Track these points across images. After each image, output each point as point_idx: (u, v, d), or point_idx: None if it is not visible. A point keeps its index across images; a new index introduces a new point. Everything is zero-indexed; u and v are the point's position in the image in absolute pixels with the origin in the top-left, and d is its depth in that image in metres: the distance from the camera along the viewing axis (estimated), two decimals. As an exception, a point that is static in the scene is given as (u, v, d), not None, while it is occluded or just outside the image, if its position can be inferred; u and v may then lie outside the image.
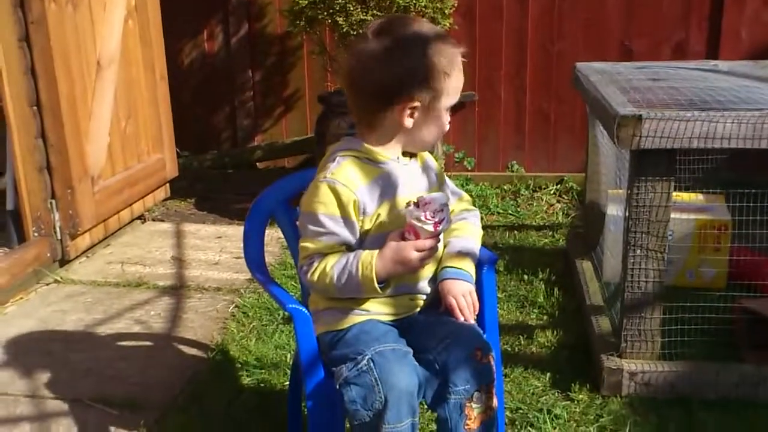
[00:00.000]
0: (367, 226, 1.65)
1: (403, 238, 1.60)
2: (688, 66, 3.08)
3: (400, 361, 1.54)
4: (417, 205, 1.57)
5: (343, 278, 1.61)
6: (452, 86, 1.63)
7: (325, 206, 1.61)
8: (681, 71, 2.93)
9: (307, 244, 1.65)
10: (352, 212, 1.62)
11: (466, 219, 1.82)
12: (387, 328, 1.67)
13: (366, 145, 1.67)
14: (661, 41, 4.17)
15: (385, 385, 1.50)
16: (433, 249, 1.62)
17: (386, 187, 1.65)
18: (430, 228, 1.56)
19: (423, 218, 1.56)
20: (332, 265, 1.61)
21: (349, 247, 1.65)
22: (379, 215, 1.64)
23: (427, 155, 1.80)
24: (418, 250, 1.59)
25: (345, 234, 1.63)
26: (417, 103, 1.61)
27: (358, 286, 1.61)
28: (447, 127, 1.69)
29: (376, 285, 1.59)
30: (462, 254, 1.74)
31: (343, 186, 1.60)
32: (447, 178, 1.85)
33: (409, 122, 1.63)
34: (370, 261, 1.59)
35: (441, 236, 1.66)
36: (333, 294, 1.66)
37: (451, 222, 1.65)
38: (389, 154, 1.68)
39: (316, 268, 1.63)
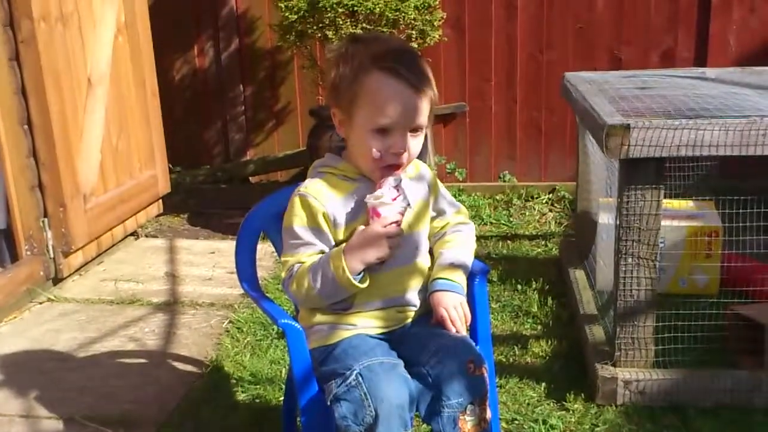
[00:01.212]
0: (341, 237, 1.67)
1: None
2: (676, 74, 3.10)
3: (388, 375, 1.55)
4: (373, 191, 1.63)
5: (318, 278, 1.62)
6: (371, 107, 1.59)
7: (299, 219, 1.66)
8: (669, 79, 2.95)
9: (287, 258, 1.69)
10: (322, 223, 1.65)
11: (460, 231, 1.83)
12: (375, 342, 1.68)
13: (343, 162, 1.71)
14: (649, 48, 4.20)
15: (375, 399, 1.50)
16: (398, 226, 1.62)
17: (360, 200, 1.66)
18: (388, 200, 1.60)
19: (377, 194, 1.60)
20: (308, 270, 1.64)
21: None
22: (354, 230, 1.66)
23: (422, 168, 1.80)
24: (381, 225, 1.60)
25: (320, 244, 1.66)
26: (337, 112, 1.66)
27: (334, 282, 1.61)
28: (370, 151, 1.61)
29: (348, 274, 1.59)
30: (453, 266, 1.75)
31: (314, 198, 1.65)
32: (444, 190, 1.86)
33: (340, 132, 1.69)
34: (338, 252, 1.62)
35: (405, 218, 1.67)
36: (317, 301, 1.67)
37: (410, 206, 1.66)
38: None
39: (294, 278, 1.66)
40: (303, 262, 1.66)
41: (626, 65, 4.11)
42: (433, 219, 1.82)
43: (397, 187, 1.62)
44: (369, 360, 1.56)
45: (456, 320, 1.68)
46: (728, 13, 4.09)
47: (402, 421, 1.51)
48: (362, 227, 1.64)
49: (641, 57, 4.19)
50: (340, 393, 1.54)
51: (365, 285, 1.63)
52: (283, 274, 1.70)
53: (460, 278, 1.74)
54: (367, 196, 1.62)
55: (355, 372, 1.54)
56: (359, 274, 1.61)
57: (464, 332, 1.70)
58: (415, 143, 1.64)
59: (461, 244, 1.80)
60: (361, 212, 1.66)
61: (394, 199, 1.61)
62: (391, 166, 1.63)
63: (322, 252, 1.66)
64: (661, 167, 2.16)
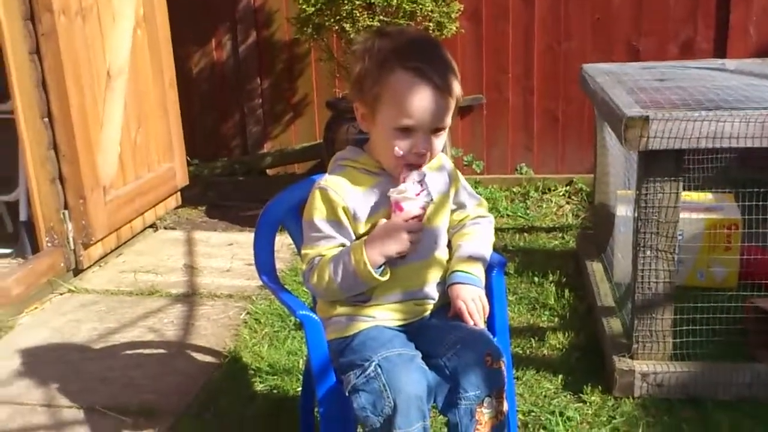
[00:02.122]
0: (362, 230, 1.67)
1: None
2: (695, 65, 3.08)
3: (407, 366, 1.55)
4: (396, 185, 1.62)
5: (339, 271, 1.63)
6: (395, 107, 1.58)
7: (320, 212, 1.66)
8: (688, 71, 2.92)
9: (307, 251, 1.69)
10: (343, 217, 1.65)
11: (479, 224, 1.83)
12: (393, 333, 1.68)
13: (365, 155, 1.71)
14: (668, 40, 4.16)
15: (393, 390, 1.50)
16: (420, 220, 1.62)
17: (382, 196, 1.66)
18: (411, 195, 1.59)
19: (401, 189, 1.60)
20: (328, 262, 1.64)
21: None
22: (375, 224, 1.66)
23: (444, 160, 1.80)
24: (403, 219, 1.60)
25: (340, 237, 1.66)
26: (359, 106, 1.66)
27: (355, 275, 1.61)
28: (392, 149, 1.60)
29: (369, 267, 1.59)
30: (472, 258, 1.75)
31: (334, 192, 1.64)
32: (464, 182, 1.85)
33: (362, 126, 1.68)
34: (359, 244, 1.62)
35: (427, 212, 1.66)
36: (337, 293, 1.67)
37: (433, 200, 1.65)
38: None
39: (314, 271, 1.66)
40: (323, 255, 1.66)
41: (645, 56, 4.08)
42: (453, 212, 1.82)
43: (421, 182, 1.61)
44: (388, 351, 1.57)
45: (474, 313, 1.68)
46: (748, 3, 4.04)
47: (420, 413, 1.52)
48: (384, 220, 1.64)
49: (660, 48, 4.15)
50: (359, 384, 1.55)
51: (386, 278, 1.63)
52: (303, 267, 1.71)
53: (478, 271, 1.74)
54: (391, 189, 1.61)
55: (374, 363, 1.54)
56: (380, 267, 1.62)
57: (482, 325, 1.70)
58: (438, 142, 1.63)
59: (480, 237, 1.80)
60: (382, 207, 1.66)
61: (418, 194, 1.60)
62: (413, 164, 1.63)
63: (342, 245, 1.66)
64: (680, 159, 2.15)
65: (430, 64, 1.58)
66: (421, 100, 1.57)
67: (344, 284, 1.63)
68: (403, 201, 1.60)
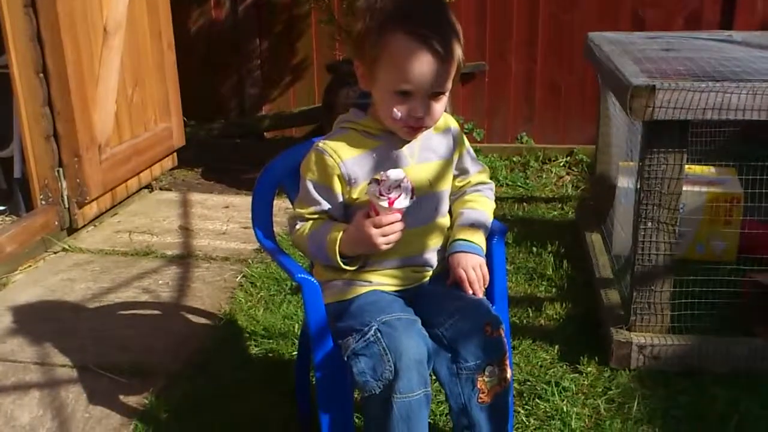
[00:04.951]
0: (355, 195, 1.65)
1: (368, 216, 1.58)
2: (702, 36, 3.04)
3: (407, 330, 1.53)
4: (378, 182, 1.55)
5: (314, 247, 1.66)
6: (394, 71, 1.54)
7: (312, 173, 1.65)
8: (695, 41, 2.88)
9: (296, 207, 1.71)
10: (335, 182, 1.64)
11: (480, 191, 1.81)
12: (392, 298, 1.67)
13: (367, 117, 1.68)
14: (674, 11, 4.11)
15: (394, 353, 1.48)
16: (396, 227, 1.58)
17: (382, 159, 1.64)
18: (385, 204, 1.54)
19: (378, 194, 1.54)
20: (308, 233, 1.66)
21: (331, 217, 1.68)
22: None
23: (451, 123, 1.76)
24: (376, 227, 1.56)
25: (325, 204, 1.66)
26: (359, 65, 1.63)
27: (327, 258, 1.64)
28: (390, 112, 1.58)
29: (339, 261, 1.61)
30: (474, 227, 1.73)
31: (329, 156, 1.63)
32: (469, 148, 1.82)
33: (362, 84, 1.64)
34: (336, 237, 1.61)
35: (405, 213, 1.60)
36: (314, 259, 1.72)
37: (413, 199, 1.57)
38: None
39: (297, 231, 1.69)
40: (306, 220, 1.68)
41: (651, 27, 4.03)
42: (455, 177, 1.79)
43: (400, 184, 1.55)
44: (387, 316, 1.55)
45: (474, 282, 1.66)
46: (757, -25, 3.99)
47: (422, 378, 1.50)
48: (359, 218, 1.59)
49: (666, 19, 4.10)
50: (358, 348, 1.52)
51: (355, 268, 1.65)
52: (289, 218, 1.74)
53: (480, 239, 1.72)
54: (370, 185, 1.57)
55: (374, 327, 1.52)
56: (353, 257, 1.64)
57: (481, 295, 1.68)
58: (438, 106, 1.60)
59: (482, 205, 1.78)
60: (380, 169, 1.62)
61: (392, 202, 1.54)
62: (413, 127, 1.61)
63: (324, 213, 1.66)
64: (685, 130, 2.12)
65: (431, 29, 1.53)
66: (421, 66, 1.53)
67: (319, 258, 1.69)
68: (378, 207, 1.56)
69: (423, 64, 1.53)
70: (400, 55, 1.53)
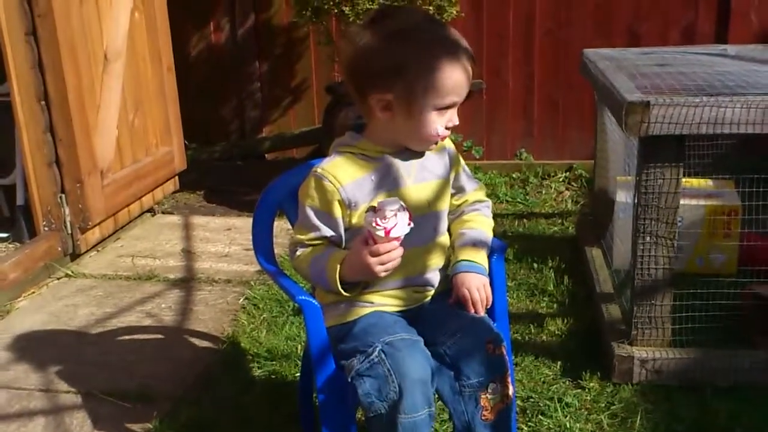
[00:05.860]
0: (355, 219, 1.66)
1: (366, 244, 1.59)
2: (696, 51, 3.06)
3: (411, 350, 1.54)
4: (374, 210, 1.56)
5: (315, 274, 1.66)
6: (433, 85, 1.57)
7: (311, 199, 1.65)
8: (689, 56, 2.91)
9: (296, 233, 1.71)
10: (335, 208, 1.64)
11: (478, 210, 1.82)
12: (394, 318, 1.67)
13: (363, 140, 1.69)
14: (669, 25, 4.14)
15: (399, 374, 1.49)
16: (394, 254, 1.58)
17: (381, 181, 1.65)
18: (381, 233, 1.54)
19: (374, 224, 1.54)
20: (309, 260, 1.66)
21: (331, 242, 1.68)
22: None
23: (447, 145, 1.78)
24: (374, 255, 1.57)
25: (325, 230, 1.65)
26: (390, 96, 1.60)
27: (328, 284, 1.64)
28: (434, 130, 1.61)
29: (339, 288, 1.61)
30: (476, 246, 1.74)
31: (329, 182, 1.63)
32: (464, 166, 1.84)
33: (384, 116, 1.62)
34: (336, 264, 1.61)
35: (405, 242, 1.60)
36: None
37: (410, 225, 1.57)
38: (386, 148, 1.67)
39: (298, 257, 1.70)
40: (306, 246, 1.68)
41: (645, 42, 4.05)
42: (452, 196, 1.80)
43: (396, 213, 1.55)
44: (391, 336, 1.56)
45: (477, 302, 1.67)
46: (750, -11, 4.02)
47: (426, 398, 1.51)
48: (357, 245, 1.59)
49: (661, 33, 4.13)
50: (362, 369, 1.53)
51: (355, 294, 1.66)
52: (290, 244, 1.74)
53: (482, 259, 1.73)
54: (367, 214, 1.57)
55: (377, 348, 1.53)
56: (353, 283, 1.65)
57: (483, 314, 1.69)
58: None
59: (481, 224, 1.79)
60: (379, 193, 1.65)
61: (389, 231, 1.54)
62: (443, 137, 1.67)
63: (325, 238, 1.67)
64: (681, 145, 2.14)
65: (455, 41, 1.61)
66: (460, 76, 1.60)
67: (320, 284, 1.70)
68: (375, 236, 1.56)
69: (460, 75, 1.60)
70: (444, 72, 1.58)
